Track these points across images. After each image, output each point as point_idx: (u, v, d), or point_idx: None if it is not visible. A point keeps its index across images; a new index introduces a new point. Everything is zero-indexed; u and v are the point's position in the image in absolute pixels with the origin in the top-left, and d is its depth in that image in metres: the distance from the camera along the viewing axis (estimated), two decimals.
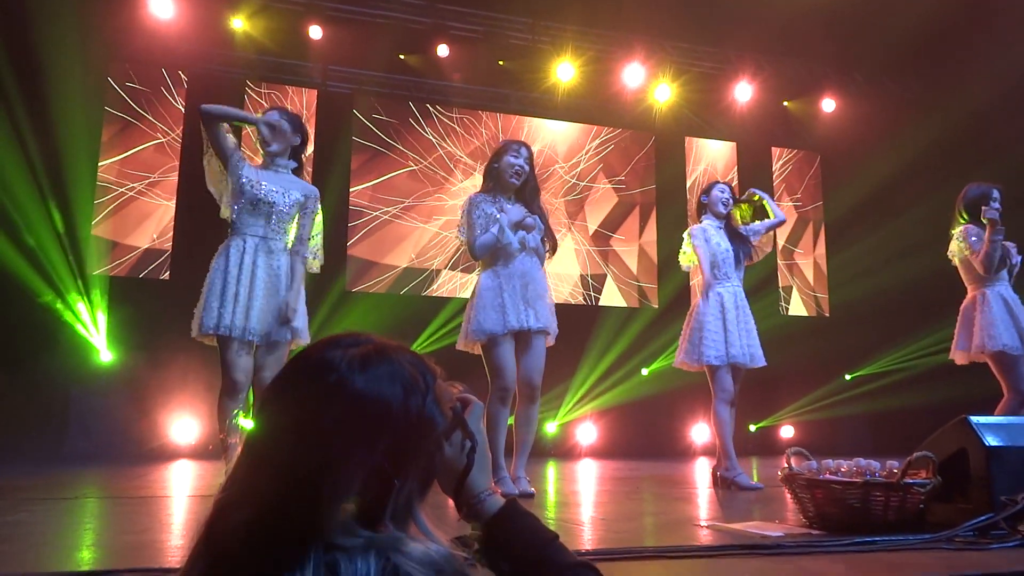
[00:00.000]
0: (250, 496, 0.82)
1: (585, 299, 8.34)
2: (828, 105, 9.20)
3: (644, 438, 8.08)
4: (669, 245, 8.33)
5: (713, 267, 4.19)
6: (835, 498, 2.28)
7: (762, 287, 8.33)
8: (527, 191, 3.75)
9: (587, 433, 8.07)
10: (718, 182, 4.45)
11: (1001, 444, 2.30)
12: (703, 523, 2.58)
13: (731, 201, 4.36)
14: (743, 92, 8.87)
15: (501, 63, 8.35)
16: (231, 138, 3.44)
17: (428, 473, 0.93)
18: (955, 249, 4.21)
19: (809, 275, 9.38)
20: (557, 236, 3.94)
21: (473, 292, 3.73)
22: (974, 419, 2.35)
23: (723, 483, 4.08)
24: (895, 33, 7.66)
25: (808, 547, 2.03)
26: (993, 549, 2.00)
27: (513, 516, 1.04)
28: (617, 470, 5.84)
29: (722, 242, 4.26)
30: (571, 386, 7.95)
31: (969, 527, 2.11)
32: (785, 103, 9.32)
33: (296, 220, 3.51)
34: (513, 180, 3.69)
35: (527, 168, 3.71)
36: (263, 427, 0.87)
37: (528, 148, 3.79)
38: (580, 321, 7.97)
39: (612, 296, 8.47)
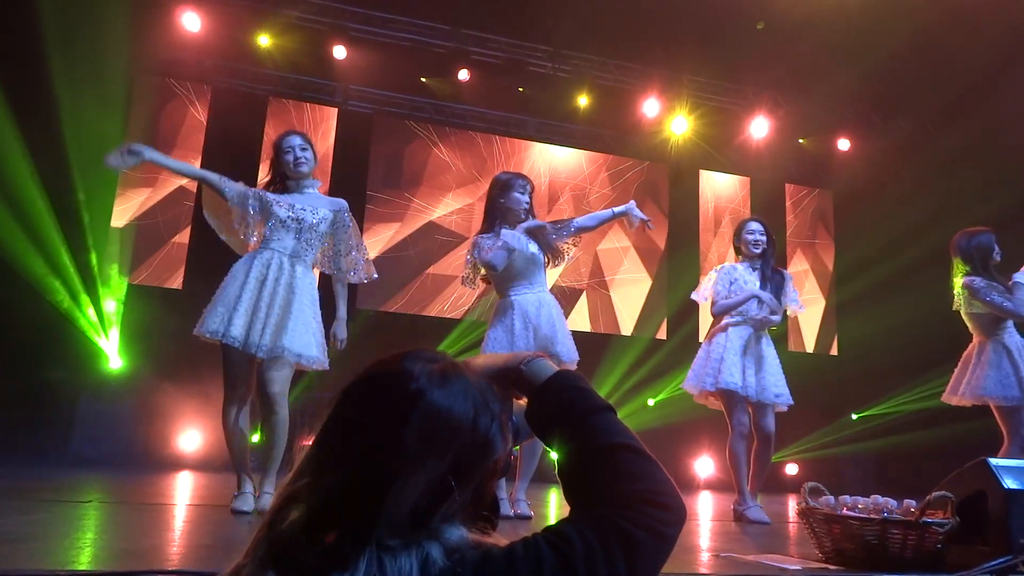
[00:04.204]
0: (315, 491, 0.85)
1: (593, 327, 8.35)
2: (843, 144, 9.27)
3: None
4: (680, 276, 8.38)
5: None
6: (853, 534, 2.28)
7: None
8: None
9: None
10: (752, 219, 4.40)
11: (1020, 487, 2.30)
12: (717, 553, 2.57)
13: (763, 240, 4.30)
14: (759, 128, 8.94)
15: (521, 90, 8.45)
16: (238, 185, 3.41)
17: (480, 489, 0.95)
18: (964, 303, 4.14)
19: (819, 313, 9.37)
20: (568, 255, 3.89)
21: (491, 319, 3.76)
22: (993, 461, 2.35)
23: (735, 516, 4.07)
24: (915, 75, 7.75)
25: None
26: None
27: (569, 380, 1.01)
28: None
29: (750, 281, 4.23)
30: None
31: (986, 569, 2.11)
32: (800, 140, 9.39)
33: (330, 236, 3.48)
34: (523, 217, 3.69)
35: (531, 202, 3.73)
36: (336, 427, 0.90)
37: (531, 181, 3.79)
38: (588, 349, 7.98)
39: (621, 324, 8.48)
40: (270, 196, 3.41)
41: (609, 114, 8.58)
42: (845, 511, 2.34)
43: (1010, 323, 4.08)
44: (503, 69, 8.29)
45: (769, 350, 4.21)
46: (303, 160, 3.44)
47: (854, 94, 8.79)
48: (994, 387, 3.93)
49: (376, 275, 3.54)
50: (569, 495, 0.96)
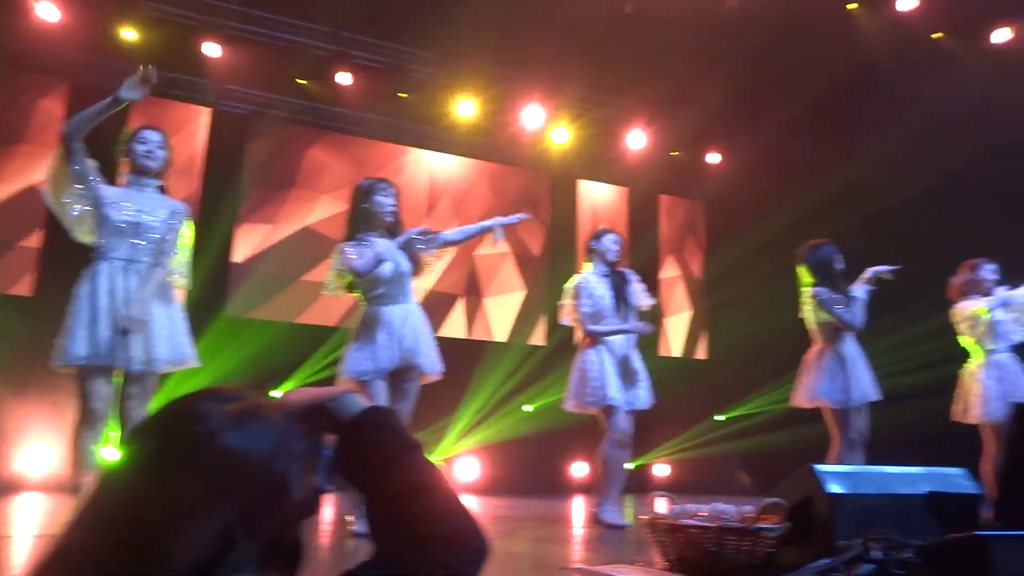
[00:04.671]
0: (92, 541, 0.80)
1: (468, 333, 8.38)
2: (713, 157, 9.72)
3: (525, 474, 8.15)
4: (558, 284, 8.54)
5: (595, 317, 4.33)
6: (693, 542, 2.40)
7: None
8: (396, 229, 3.73)
9: (468, 469, 8.07)
10: (608, 231, 4.59)
11: (843, 492, 2.48)
12: (573, 566, 2.64)
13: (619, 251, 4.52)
14: (636, 140, 9.24)
15: (402, 95, 8.39)
16: (90, 161, 3.23)
17: (279, 534, 0.92)
18: (810, 312, 4.45)
19: (687, 319, 9.78)
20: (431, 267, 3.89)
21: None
22: (819, 467, 2.53)
23: (594, 520, 4.20)
24: (775, 89, 8.22)
25: None
26: None
27: (376, 419, 1.00)
28: (497, 508, 5.87)
29: (603, 292, 4.39)
30: (452, 421, 7.96)
31: (811, 570, 2.26)
32: (673, 153, 9.78)
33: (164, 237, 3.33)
34: (389, 219, 3.67)
35: (397, 205, 3.70)
36: (118, 470, 0.85)
37: (394, 185, 3.77)
38: (463, 357, 8.02)
39: (497, 331, 8.54)
40: (104, 191, 3.23)
41: (490, 122, 8.65)
42: (687, 520, 2.46)
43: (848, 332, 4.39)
44: (384, 73, 8.21)
45: (636, 357, 4.39)
46: (156, 156, 3.29)
47: (721, 108, 9.23)
48: (827, 391, 4.23)
49: (190, 287, 3.45)
50: (372, 536, 0.96)
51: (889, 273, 4.45)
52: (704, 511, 2.56)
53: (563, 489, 8.28)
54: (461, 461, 8.04)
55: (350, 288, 3.70)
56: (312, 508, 0.97)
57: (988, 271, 4.66)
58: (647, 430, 8.97)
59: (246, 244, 7.58)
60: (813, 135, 8.63)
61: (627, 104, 9.22)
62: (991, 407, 4.36)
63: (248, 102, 7.90)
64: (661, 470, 9.29)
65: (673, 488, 9.50)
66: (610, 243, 4.47)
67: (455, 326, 8.32)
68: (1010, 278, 4.80)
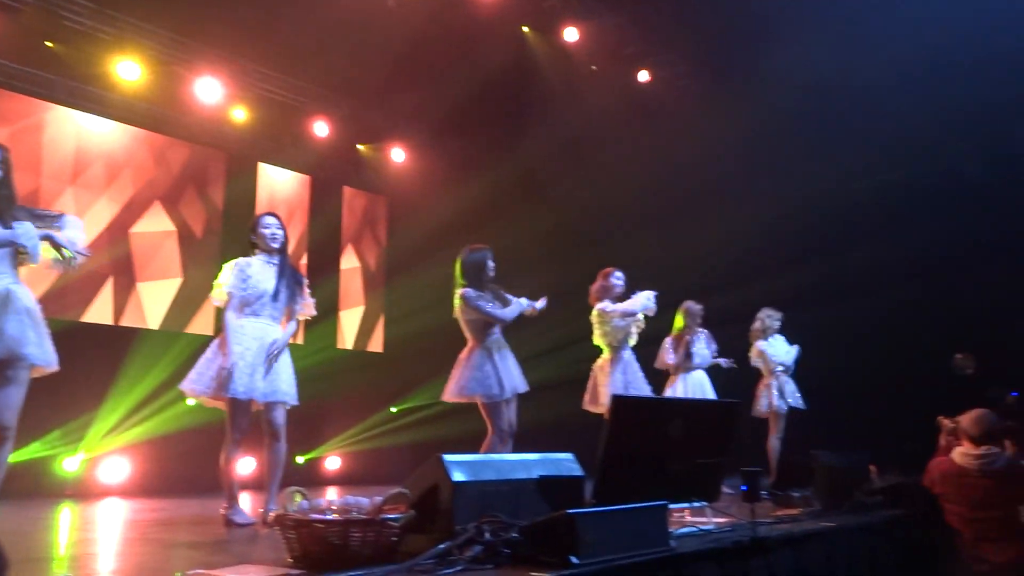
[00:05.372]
0: None
1: (116, 319, 7.56)
2: (398, 155, 9.88)
3: (185, 473, 7.58)
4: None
5: (246, 302, 4.12)
6: (317, 537, 2.38)
7: (320, 320, 8.50)
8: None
9: (116, 469, 7.29)
10: (264, 215, 4.38)
11: (465, 479, 2.64)
12: (190, 572, 2.48)
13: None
14: (321, 128, 9.07)
15: (50, 44, 7.32)
16: None
17: None
18: (459, 311, 4.70)
19: (361, 312, 9.83)
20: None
21: None
22: (447, 457, 2.67)
23: (224, 522, 4.00)
24: (463, 101, 8.61)
25: None
26: (444, 574, 2.26)
27: None
28: (143, 511, 5.38)
29: (265, 276, 4.19)
30: (98, 417, 7.14)
31: (428, 556, 2.36)
32: (359, 146, 9.77)
33: None
34: None
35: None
36: None
37: None
38: (110, 343, 7.26)
39: (153, 318, 7.82)
40: None
41: (158, 90, 7.88)
42: (314, 515, 2.43)
43: (497, 330, 4.70)
44: (29, 16, 7.09)
45: (286, 351, 4.22)
46: None
47: (410, 109, 9.43)
48: (477, 386, 4.51)
49: None
50: None
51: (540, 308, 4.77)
52: (336, 504, 2.56)
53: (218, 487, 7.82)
54: (109, 460, 7.23)
55: None
56: None
57: (617, 278, 5.32)
58: (319, 424, 8.90)
59: None
60: (489, 140, 9.20)
61: (314, 92, 9.01)
62: None
63: None
64: (332, 463, 9.23)
65: (345, 480, 9.51)
66: (269, 226, 4.24)
67: (101, 311, 7.43)
68: (636, 285, 5.54)
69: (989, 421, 4.15)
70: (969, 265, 8.20)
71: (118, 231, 7.62)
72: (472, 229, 8.85)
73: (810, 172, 8.70)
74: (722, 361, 6.40)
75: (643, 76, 9.31)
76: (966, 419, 4.20)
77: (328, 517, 2.41)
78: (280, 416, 4.13)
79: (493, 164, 9.16)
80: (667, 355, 6.30)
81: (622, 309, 5.14)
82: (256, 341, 4.06)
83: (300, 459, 8.84)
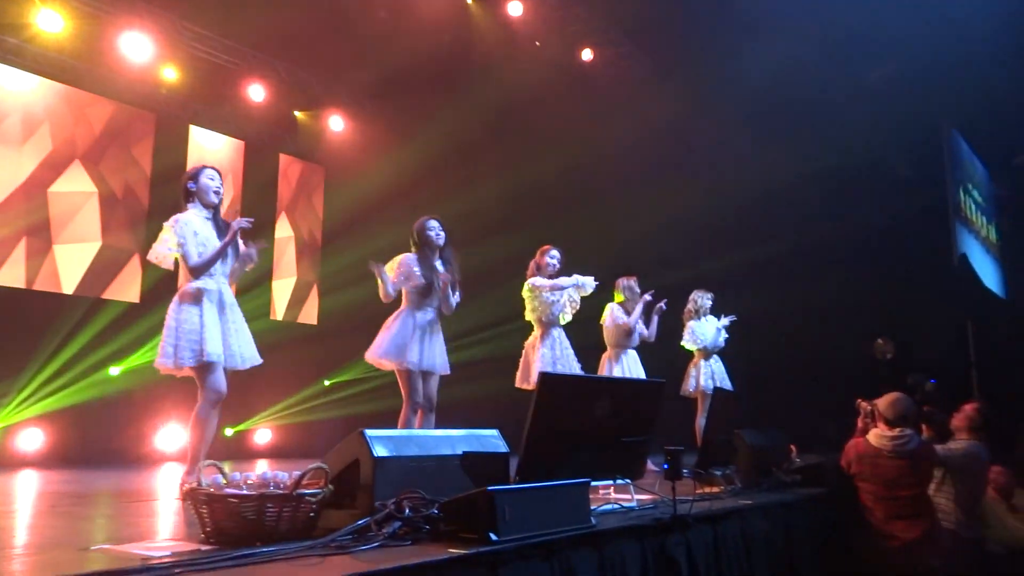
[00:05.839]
0: None
1: (28, 284, 7.21)
2: (336, 123, 9.66)
3: (103, 443, 7.35)
4: (153, 237, 7.79)
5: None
6: (232, 512, 2.31)
7: (251, 288, 8.30)
8: None
9: (31, 439, 7.01)
10: (206, 167, 4.14)
11: (388, 455, 2.60)
12: (92, 547, 2.38)
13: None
14: (256, 92, 8.79)
15: None
16: None
17: None
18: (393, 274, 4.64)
19: (293, 283, 9.64)
20: None
21: None
22: (368, 432, 2.61)
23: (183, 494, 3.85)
24: (398, 67, 8.45)
25: (190, 565, 1.99)
26: (361, 550, 2.22)
27: None
28: (54, 483, 5.18)
29: (210, 234, 3.96)
30: (12, 386, 6.84)
31: (345, 532, 2.32)
32: (296, 113, 9.51)
33: None
34: None
35: None
36: None
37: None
38: (22, 308, 6.95)
39: (68, 282, 7.48)
40: None
41: (82, 43, 7.51)
42: (227, 489, 2.36)
43: (429, 304, 4.63)
44: None
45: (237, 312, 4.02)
46: None
47: (349, 77, 9.22)
48: (393, 350, 4.44)
49: None
50: None
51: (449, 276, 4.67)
52: (253, 479, 2.49)
53: (146, 460, 7.62)
54: (25, 430, 6.96)
55: None
56: None
57: (551, 256, 5.30)
58: (248, 395, 8.70)
59: None
60: (429, 112, 9.08)
61: (250, 54, 8.72)
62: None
63: None
64: (262, 436, 9.08)
65: (275, 454, 9.35)
66: (214, 178, 4.00)
67: (13, 274, 7.08)
68: (572, 263, 5.54)
69: (904, 404, 4.30)
70: (892, 255, 8.50)
71: (35, 189, 7.27)
72: (409, 201, 8.74)
73: (744, 159, 8.86)
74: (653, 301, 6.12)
75: (586, 55, 9.29)
76: (882, 402, 4.35)
77: (243, 492, 2.34)
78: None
79: (432, 136, 9.04)
80: (617, 319, 6.06)
81: (551, 283, 5.12)
82: (215, 303, 3.88)
83: (228, 431, 8.66)
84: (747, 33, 7.90)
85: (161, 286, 7.66)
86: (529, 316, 5.31)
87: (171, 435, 7.90)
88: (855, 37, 7.74)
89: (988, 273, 10.57)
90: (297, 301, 9.58)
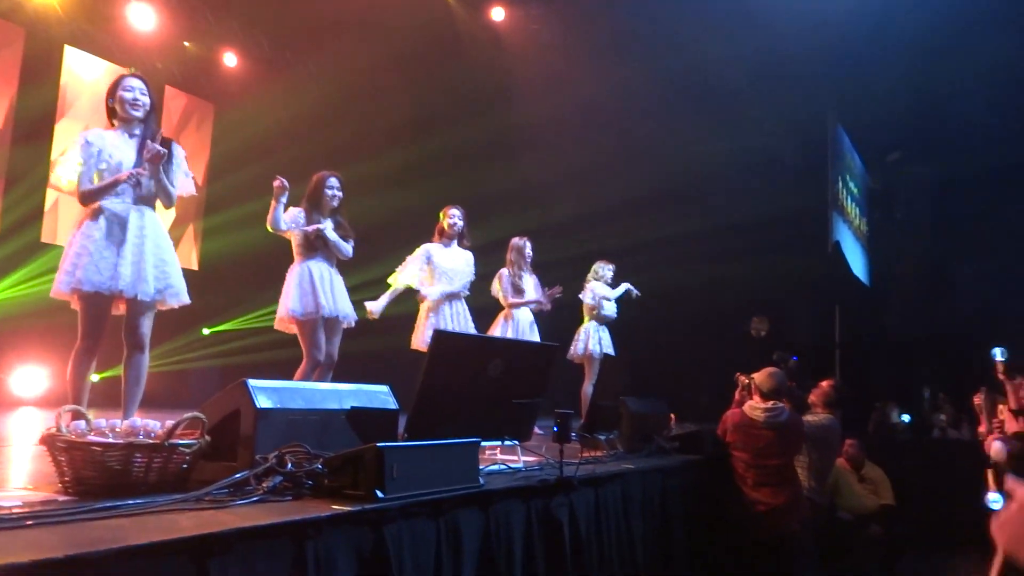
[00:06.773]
0: None
1: None
2: (229, 59, 9.12)
3: None
4: (26, 163, 7.16)
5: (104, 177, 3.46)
6: (95, 460, 2.14)
7: None
8: None
9: None
10: (125, 76, 3.57)
11: (271, 407, 2.48)
12: None
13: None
14: (142, 18, 8.15)
15: None
16: None
17: None
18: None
19: (171, 222, 9.13)
20: None
21: None
22: (251, 382, 2.48)
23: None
24: (298, 8, 8.06)
25: (44, 517, 1.83)
26: (237, 505, 2.11)
27: None
28: None
29: (124, 153, 3.53)
30: None
31: (221, 485, 2.20)
32: (186, 43, 8.92)
33: None
34: None
35: None
36: None
37: None
38: None
39: None
40: None
41: None
42: (90, 437, 2.19)
43: (320, 255, 4.47)
44: None
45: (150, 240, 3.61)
46: None
47: (243, 11, 8.69)
48: (293, 303, 4.30)
49: None
50: None
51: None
52: (121, 427, 2.32)
53: (2, 402, 7.08)
54: None
55: None
56: None
57: (452, 216, 5.22)
58: (119, 341, 8.18)
59: None
60: (326, 55, 8.73)
61: None
62: None
63: None
64: None
65: (147, 403, 8.87)
66: (132, 89, 3.47)
67: None
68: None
69: (779, 379, 4.54)
70: (773, 238, 8.91)
71: None
72: (304, 149, 8.40)
73: (647, 133, 9.01)
74: (555, 291, 6.14)
75: (498, 14, 9.11)
76: (759, 376, 4.58)
77: (108, 440, 2.17)
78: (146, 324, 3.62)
79: (329, 79, 8.72)
80: (501, 285, 6.01)
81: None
82: (116, 228, 3.42)
83: (95, 377, 8.14)
84: (654, 12, 8.02)
85: (28, 221, 7.09)
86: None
87: (28, 377, 7.37)
88: (756, 23, 7.95)
89: (857, 262, 11.26)
90: (185, 246, 9.09)
